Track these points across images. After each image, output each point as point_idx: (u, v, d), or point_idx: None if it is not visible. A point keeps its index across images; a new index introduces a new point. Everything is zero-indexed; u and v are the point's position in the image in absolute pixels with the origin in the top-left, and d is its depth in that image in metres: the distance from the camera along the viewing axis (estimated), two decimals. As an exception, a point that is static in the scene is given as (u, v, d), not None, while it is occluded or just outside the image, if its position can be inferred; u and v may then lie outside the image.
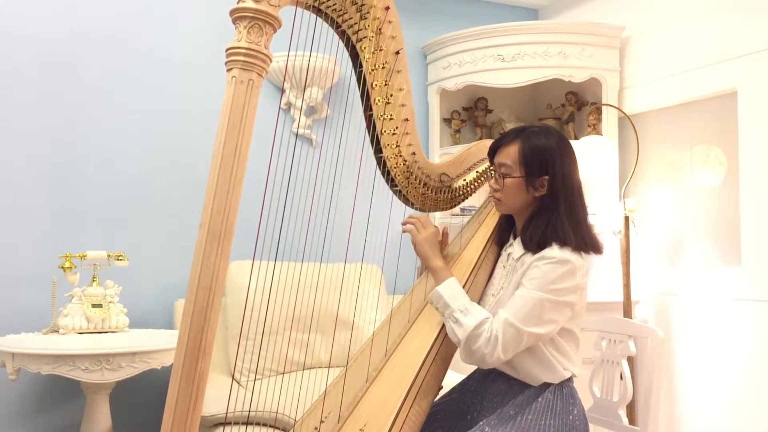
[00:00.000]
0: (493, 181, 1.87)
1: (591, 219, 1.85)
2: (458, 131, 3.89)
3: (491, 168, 1.88)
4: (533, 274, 1.72)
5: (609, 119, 3.58)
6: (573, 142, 3.44)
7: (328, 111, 3.55)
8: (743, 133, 3.03)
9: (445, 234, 2.05)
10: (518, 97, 4.00)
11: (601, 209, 3.50)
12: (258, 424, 2.50)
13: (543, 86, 3.73)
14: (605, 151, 3.40)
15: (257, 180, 1.70)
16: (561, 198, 1.78)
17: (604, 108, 3.56)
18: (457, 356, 1.80)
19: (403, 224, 1.90)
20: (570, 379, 1.83)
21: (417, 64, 3.90)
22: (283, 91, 3.47)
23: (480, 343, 1.66)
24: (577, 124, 3.82)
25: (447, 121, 3.89)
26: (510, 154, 1.82)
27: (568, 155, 1.82)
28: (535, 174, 1.79)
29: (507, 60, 3.57)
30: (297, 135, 3.50)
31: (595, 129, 3.53)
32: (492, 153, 1.87)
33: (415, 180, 1.93)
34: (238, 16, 1.37)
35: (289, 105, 3.53)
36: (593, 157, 3.36)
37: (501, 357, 1.67)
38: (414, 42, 3.85)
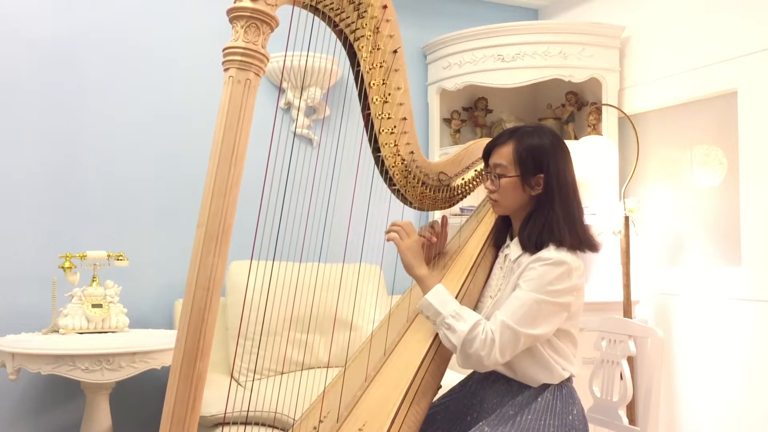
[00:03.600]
0: (489, 183, 1.86)
1: (591, 219, 1.85)
2: (458, 131, 3.89)
3: (487, 170, 1.88)
4: (530, 275, 1.72)
5: (609, 119, 3.58)
6: (573, 142, 3.48)
7: (328, 111, 3.55)
8: (743, 133, 3.03)
9: (444, 224, 2.04)
10: (518, 97, 4.00)
11: (601, 209, 3.49)
12: (257, 423, 2.50)
13: (543, 86, 3.72)
14: (605, 151, 3.40)
15: (258, 179, 1.70)
16: (556, 196, 1.78)
17: (604, 108, 3.56)
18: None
19: (387, 232, 1.86)
20: (569, 380, 1.83)
21: (417, 64, 3.90)
22: (282, 90, 3.47)
23: (476, 346, 1.66)
24: (577, 124, 3.81)
25: (447, 121, 3.89)
26: (504, 154, 1.82)
27: (562, 153, 1.83)
28: (531, 172, 1.79)
29: (507, 60, 3.56)
30: (297, 135, 3.50)
31: (595, 129, 3.53)
32: (486, 155, 1.87)
33: (414, 179, 1.93)
34: (234, 15, 1.37)
35: (288, 105, 3.53)
36: (593, 157, 3.36)
37: (498, 359, 1.67)
38: (414, 42, 3.85)
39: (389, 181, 1.92)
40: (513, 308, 1.69)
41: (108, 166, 3.17)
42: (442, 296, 1.74)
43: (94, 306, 2.74)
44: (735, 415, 3.05)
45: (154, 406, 3.02)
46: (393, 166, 1.87)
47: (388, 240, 1.87)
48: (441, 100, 3.86)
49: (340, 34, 1.72)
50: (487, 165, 1.88)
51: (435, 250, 2.05)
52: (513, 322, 1.67)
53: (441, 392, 1.90)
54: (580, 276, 1.75)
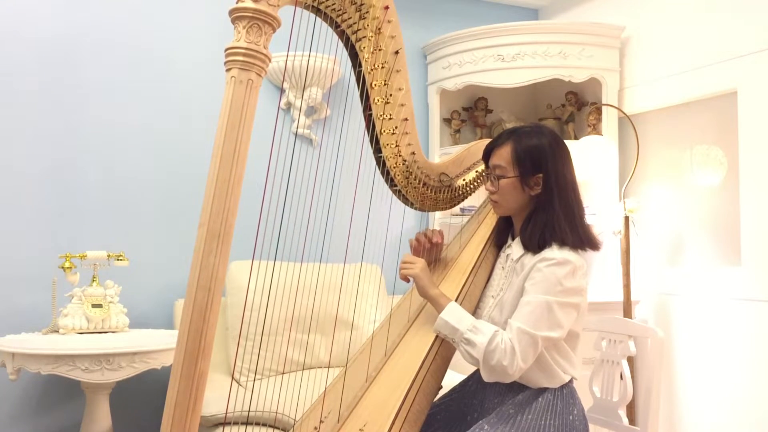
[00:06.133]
0: (489, 184, 1.87)
1: (591, 219, 1.86)
2: (458, 131, 3.89)
3: (487, 171, 1.88)
4: (536, 277, 1.72)
5: (609, 119, 3.58)
6: (573, 142, 3.48)
7: (329, 111, 3.55)
8: (743, 133, 3.03)
9: (440, 234, 2.03)
10: (518, 97, 4.00)
11: (601, 209, 3.49)
12: (258, 424, 2.50)
13: (543, 86, 3.72)
14: (605, 151, 3.40)
15: (259, 180, 1.70)
16: (556, 195, 1.79)
17: (604, 108, 3.56)
18: (456, 356, 1.80)
19: (401, 276, 1.87)
20: (570, 381, 1.83)
21: (417, 64, 3.90)
22: (282, 90, 3.47)
23: (498, 357, 1.66)
24: (577, 124, 3.81)
25: (447, 121, 3.89)
26: (503, 155, 1.82)
27: (561, 153, 1.83)
28: (529, 172, 1.80)
29: (507, 60, 3.56)
30: (297, 135, 3.50)
31: (595, 129, 3.53)
32: (486, 156, 1.88)
33: (415, 180, 1.93)
34: (237, 15, 1.37)
35: (289, 105, 3.53)
36: (593, 157, 3.36)
37: (522, 366, 1.67)
38: (414, 42, 3.85)
39: (390, 182, 1.92)
40: (526, 313, 1.69)
41: (108, 166, 3.17)
42: (457, 313, 1.73)
43: (94, 306, 2.74)
44: (735, 415, 3.05)
45: (154, 406, 3.02)
46: (394, 167, 1.87)
47: (404, 278, 1.86)
48: (441, 100, 3.86)
49: (342, 34, 1.72)
50: (487, 166, 1.89)
51: (432, 255, 2.05)
52: (529, 327, 1.67)
53: (441, 392, 1.90)
54: (584, 275, 1.76)
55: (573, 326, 1.77)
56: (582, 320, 1.82)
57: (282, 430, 2.48)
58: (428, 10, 3.95)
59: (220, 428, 2.51)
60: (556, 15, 4.14)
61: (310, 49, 1.63)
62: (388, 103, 1.79)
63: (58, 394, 3.01)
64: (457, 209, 3.28)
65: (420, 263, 1.85)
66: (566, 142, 1.94)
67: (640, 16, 3.58)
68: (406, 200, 1.99)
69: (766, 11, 2.97)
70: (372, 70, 1.74)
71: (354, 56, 1.74)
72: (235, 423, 2.47)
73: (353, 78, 1.78)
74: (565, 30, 3.56)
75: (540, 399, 1.77)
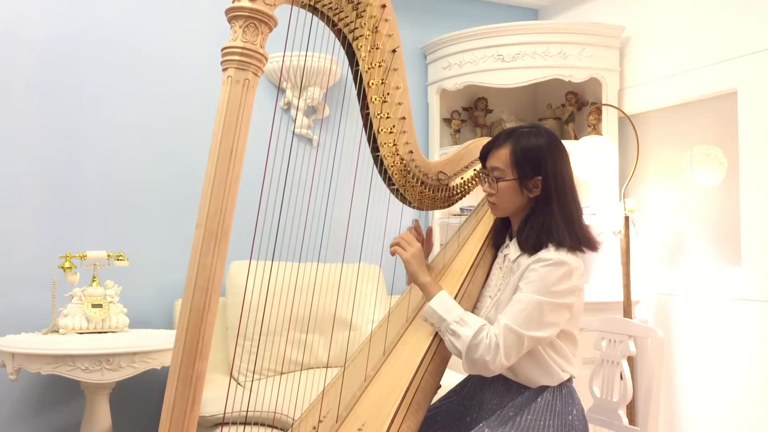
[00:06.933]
0: (486, 185, 1.85)
1: (591, 219, 1.85)
2: (458, 131, 3.89)
3: (484, 172, 1.87)
4: (531, 277, 1.71)
5: (609, 119, 3.58)
6: (573, 142, 3.48)
7: (328, 111, 3.55)
8: (743, 133, 3.03)
9: (429, 233, 2.03)
10: (518, 97, 4.00)
11: (601, 209, 3.49)
12: (257, 423, 2.50)
13: (543, 86, 3.72)
14: (605, 151, 3.40)
15: (258, 179, 1.70)
16: (554, 197, 1.78)
17: (604, 108, 3.56)
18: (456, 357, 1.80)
19: (391, 247, 1.88)
20: (569, 380, 1.83)
21: (417, 64, 3.90)
22: (282, 90, 3.48)
23: (481, 352, 1.65)
24: (577, 124, 3.81)
25: (447, 121, 3.89)
26: (501, 157, 1.81)
27: (560, 153, 1.82)
28: (528, 175, 1.79)
29: (507, 60, 3.56)
30: (296, 135, 3.50)
31: (595, 129, 3.53)
32: (483, 157, 1.87)
33: (413, 179, 1.93)
34: (233, 15, 1.36)
35: (288, 105, 3.53)
36: (593, 157, 3.36)
37: (504, 363, 1.66)
38: (414, 42, 3.85)
39: (388, 181, 1.92)
40: (515, 311, 1.68)
41: (108, 166, 3.17)
42: (446, 303, 1.73)
43: (94, 306, 2.74)
44: (735, 415, 3.05)
45: (154, 406, 3.02)
46: (392, 166, 1.86)
47: (392, 254, 1.87)
48: (441, 100, 3.87)
49: (339, 33, 1.72)
50: (484, 167, 1.88)
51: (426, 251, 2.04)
52: (516, 325, 1.66)
53: (440, 393, 1.90)
54: (581, 276, 1.75)
55: (568, 325, 1.77)
56: (578, 320, 1.81)
57: (281, 429, 2.49)
58: (428, 10, 3.95)
59: (220, 428, 2.52)
60: (556, 15, 4.14)
61: (307, 50, 1.63)
62: (385, 101, 1.78)
63: (58, 394, 3.02)
64: (456, 209, 3.29)
65: (414, 248, 1.84)
66: (566, 142, 1.94)
67: (640, 16, 3.57)
68: (404, 199, 1.99)
69: (766, 11, 2.96)
70: (369, 68, 1.73)
71: (351, 55, 1.74)
72: (234, 423, 2.47)
73: (352, 78, 1.78)
74: (565, 30, 3.56)
75: (539, 399, 1.76)
